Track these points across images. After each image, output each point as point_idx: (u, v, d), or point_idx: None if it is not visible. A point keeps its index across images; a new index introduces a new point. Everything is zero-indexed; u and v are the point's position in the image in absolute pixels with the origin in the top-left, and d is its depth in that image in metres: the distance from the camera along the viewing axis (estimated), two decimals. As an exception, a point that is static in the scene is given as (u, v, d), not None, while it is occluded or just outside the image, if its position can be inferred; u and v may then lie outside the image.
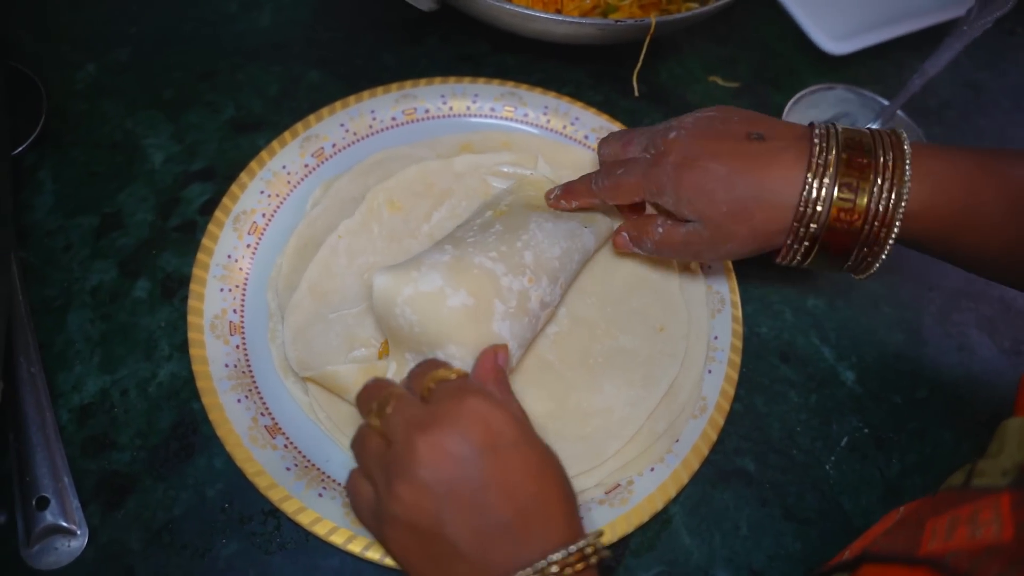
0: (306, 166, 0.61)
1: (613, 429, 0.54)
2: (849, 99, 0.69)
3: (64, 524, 0.48)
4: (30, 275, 0.57)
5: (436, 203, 0.60)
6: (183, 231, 0.60)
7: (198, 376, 0.52)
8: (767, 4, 0.79)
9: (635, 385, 0.55)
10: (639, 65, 0.65)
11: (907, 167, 0.45)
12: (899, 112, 0.67)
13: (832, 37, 0.74)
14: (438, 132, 0.64)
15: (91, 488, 0.50)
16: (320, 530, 0.48)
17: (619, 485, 0.52)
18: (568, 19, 0.59)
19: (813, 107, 0.69)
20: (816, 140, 0.47)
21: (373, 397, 0.43)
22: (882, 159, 0.46)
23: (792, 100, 0.66)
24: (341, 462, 0.52)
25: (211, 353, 0.53)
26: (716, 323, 0.59)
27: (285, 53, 0.70)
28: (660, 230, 0.53)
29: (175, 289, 0.58)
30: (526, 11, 0.58)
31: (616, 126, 0.66)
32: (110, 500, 0.50)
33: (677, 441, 0.54)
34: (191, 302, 0.55)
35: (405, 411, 0.41)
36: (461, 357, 0.49)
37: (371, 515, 0.42)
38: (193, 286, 0.55)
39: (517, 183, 0.61)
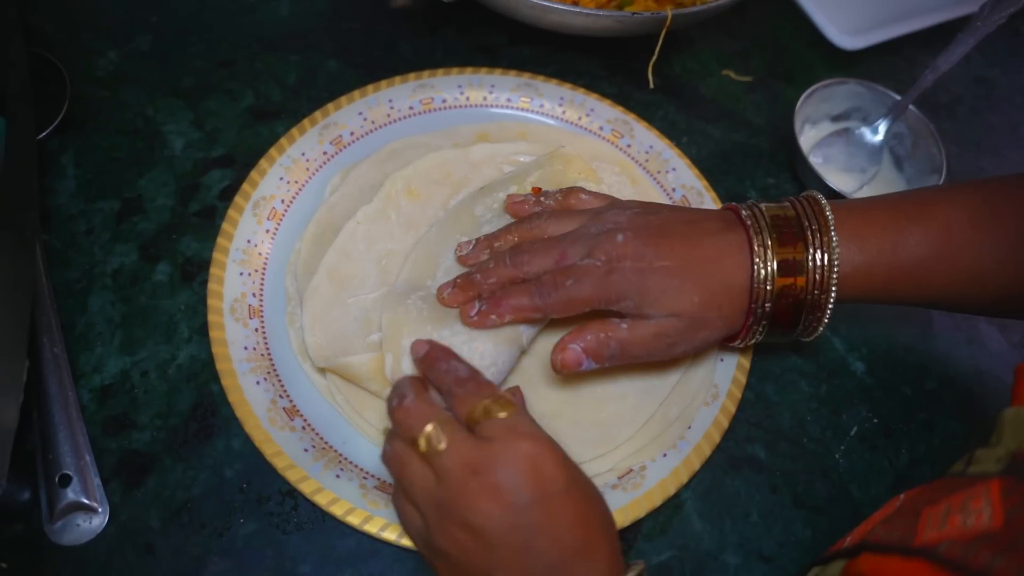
0: (324, 153, 0.62)
1: (627, 415, 0.54)
2: (861, 94, 0.69)
3: (85, 501, 0.49)
4: (53, 258, 0.58)
5: (453, 191, 0.60)
6: (203, 216, 0.61)
7: (218, 358, 0.53)
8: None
9: (648, 372, 0.56)
10: (655, 58, 0.66)
11: (832, 233, 0.47)
12: (910, 107, 0.67)
13: (845, 32, 0.75)
14: (455, 121, 0.65)
15: (112, 466, 0.51)
16: (337, 510, 0.49)
17: (632, 470, 0.53)
18: (585, 11, 0.59)
19: (825, 101, 0.70)
20: (749, 223, 0.49)
21: (419, 424, 0.41)
22: (809, 230, 0.48)
23: (804, 94, 0.67)
24: (358, 444, 0.53)
25: (230, 336, 0.54)
26: (729, 312, 0.59)
27: (303, 43, 0.71)
28: (624, 327, 0.49)
29: (195, 273, 0.59)
30: (544, 3, 0.59)
31: (630, 117, 0.66)
32: (130, 479, 0.51)
33: (689, 428, 0.55)
34: (211, 285, 0.56)
35: (459, 450, 0.40)
36: (466, 332, 0.51)
37: (417, 536, 0.43)
38: (213, 270, 0.56)
39: (547, 156, 0.61)
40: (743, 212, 0.50)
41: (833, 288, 0.48)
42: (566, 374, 0.51)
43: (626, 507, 0.51)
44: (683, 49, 0.76)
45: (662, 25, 0.61)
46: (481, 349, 0.50)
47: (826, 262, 0.47)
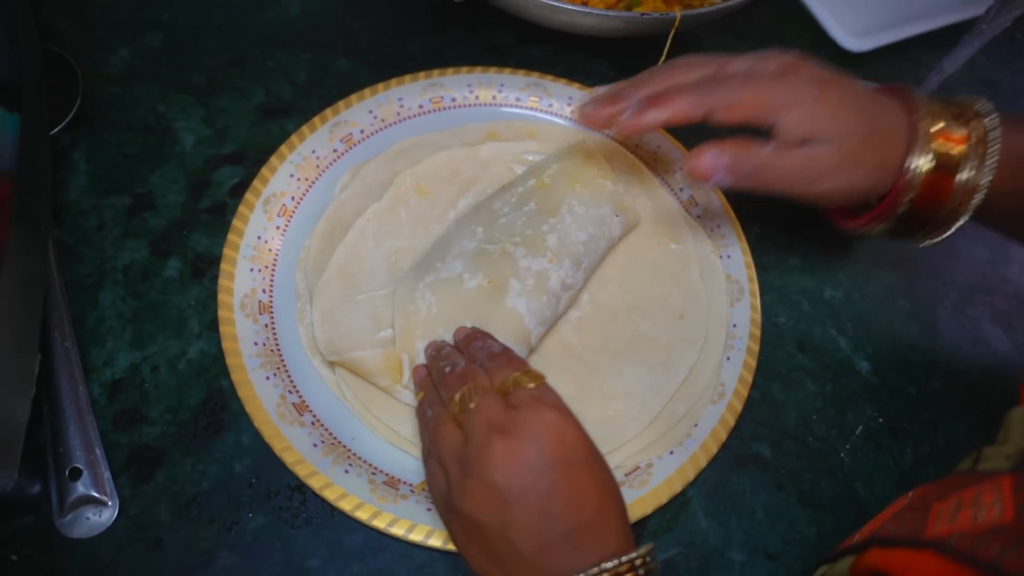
0: (335, 151, 0.63)
1: (633, 412, 0.55)
2: (868, 96, 0.70)
3: (95, 495, 0.49)
4: (64, 253, 0.58)
5: (463, 189, 0.61)
6: (213, 213, 0.61)
7: (228, 353, 0.54)
8: (787, 0, 0.80)
9: (656, 370, 0.56)
10: (663, 58, 0.66)
11: (993, 143, 0.46)
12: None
13: (851, 34, 0.75)
14: (464, 120, 0.65)
15: (122, 460, 0.52)
16: (345, 506, 0.50)
17: (639, 467, 0.53)
18: (594, 11, 0.60)
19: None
20: (918, 111, 0.47)
21: (457, 385, 0.45)
22: (973, 134, 0.46)
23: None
24: (367, 440, 0.53)
25: (241, 331, 0.55)
26: (735, 311, 0.60)
27: (314, 41, 0.71)
28: (768, 150, 0.47)
29: (205, 269, 0.59)
30: (553, 3, 0.59)
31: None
32: (140, 473, 0.52)
33: (696, 425, 0.55)
34: (221, 281, 0.56)
35: (488, 411, 0.42)
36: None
37: (440, 499, 0.44)
38: (224, 266, 0.56)
39: (567, 149, 0.61)
40: (915, 91, 0.49)
41: (976, 197, 0.46)
42: (698, 181, 0.53)
43: (633, 504, 0.52)
44: (690, 49, 0.76)
45: (670, 26, 0.61)
46: None
47: (978, 171, 0.46)
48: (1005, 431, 0.43)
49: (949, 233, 0.48)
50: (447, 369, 0.48)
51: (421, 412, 0.47)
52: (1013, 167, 0.46)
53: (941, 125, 0.46)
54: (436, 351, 0.50)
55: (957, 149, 0.46)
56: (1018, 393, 0.47)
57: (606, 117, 0.50)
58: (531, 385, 0.44)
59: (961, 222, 0.47)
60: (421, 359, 0.51)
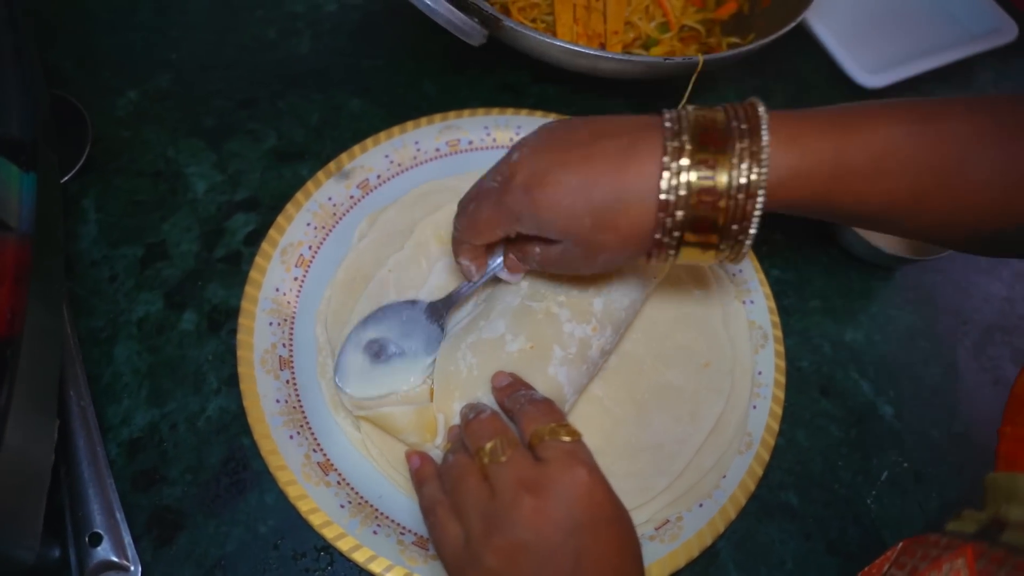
0: (351, 197, 0.62)
1: (662, 465, 0.54)
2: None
3: (116, 560, 0.48)
4: (76, 306, 0.57)
5: (484, 237, 0.60)
6: (228, 262, 0.60)
7: (249, 412, 0.52)
8: (802, 36, 0.79)
9: (682, 421, 0.56)
10: (684, 99, 0.66)
11: (764, 134, 0.42)
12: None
13: (866, 70, 0.75)
14: (483, 163, 0.63)
15: (143, 523, 0.51)
16: (376, 568, 0.49)
17: (668, 521, 0.53)
18: (617, 56, 0.59)
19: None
20: (668, 124, 0.43)
21: (487, 436, 0.44)
22: (737, 130, 0.42)
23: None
24: (395, 499, 0.52)
25: (262, 388, 0.53)
26: (759, 358, 0.59)
27: (325, 81, 0.70)
28: (538, 251, 0.49)
29: (222, 321, 0.58)
30: (575, 48, 0.59)
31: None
32: (162, 536, 0.50)
33: (724, 477, 0.55)
34: (240, 336, 0.55)
35: (518, 466, 0.42)
36: None
37: (453, 553, 0.43)
38: (242, 320, 0.55)
39: None
40: (666, 115, 0.44)
41: (761, 194, 0.42)
42: (513, 275, 0.54)
43: (664, 559, 0.51)
44: (706, 86, 0.76)
45: (692, 69, 0.61)
46: None
47: (755, 165, 0.41)
48: (985, 497, 0.43)
49: (748, 243, 0.45)
50: (471, 415, 0.47)
51: (447, 458, 0.47)
52: (795, 154, 0.42)
53: (697, 135, 0.42)
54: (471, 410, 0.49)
55: (720, 151, 0.42)
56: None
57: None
58: (567, 439, 0.43)
59: (755, 225, 0.43)
60: (457, 420, 0.50)
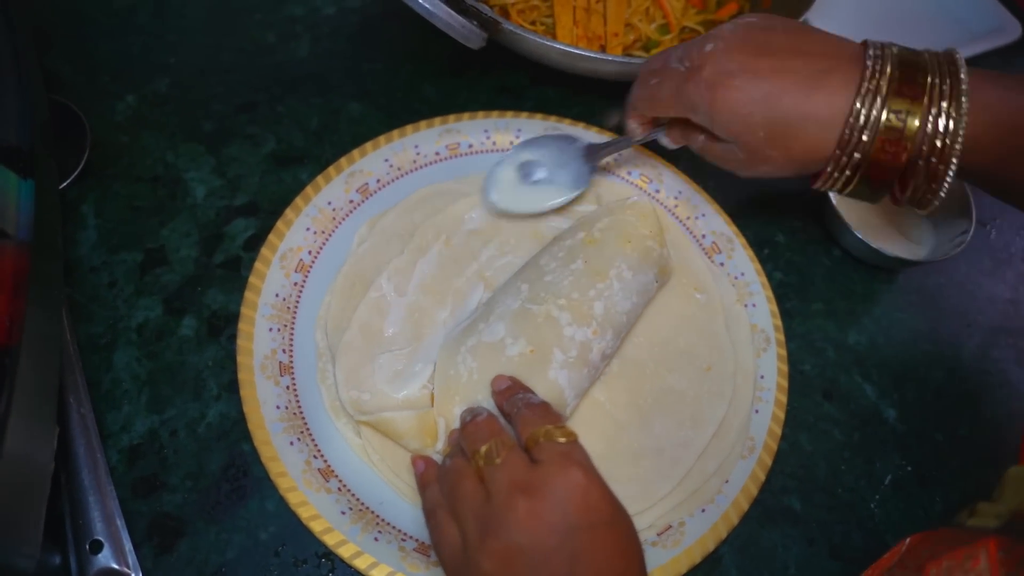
0: (351, 202, 0.61)
1: (664, 470, 0.54)
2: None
3: (117, 567, 0.48)
4: (75, 312, 0.57)
5: (485, 240, 0.60)
6: (228, 267, 0.60)
7: (250, 418, 0.52)
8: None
9: (684, 425, 0.56)
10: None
11: (963, 99, 0.42)
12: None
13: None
14: (482, 166, 0.64)
15: (143, 530, 0.50)
16: (377, 574, 0.49)
17: (671, 527, 0.53)
18: (617, 59, 0.59)
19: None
20: (869, 63, 0.43)
21: (483, 439, 0.44)
22: (938, 88, 0.42)
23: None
24: (396, 505, 0.52)
25: (262, 394, 0.53)
26: (762, 362, 0.59)
27: (324, 84, 0.70)
28: (702, 139, 0.51)
29: (221, 327, 0.58)
30: (576, 50, 0.58)
31: (659, 162, 0.66)
32: (162, 543, 0.50)
33: (727, 482, 0.54)
34: (240, 342, 0.55)
35: (513, 468, 0.41)
36: None
37: (451, 556, 0.42)
38: (242, 326, 0.55)
39: (620, 204, 0.59)
40: (870, 50, 0.44)
41: (954, 158, 0.42)
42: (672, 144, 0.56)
43: (667, 565, 0.51)
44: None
45: (692, 71, 0.60)
46: None
47: (950, 128, 0.41)
48: (1000, 489, 0.43)
49: (939, 198, 0.44)
50: (468, 418, 0.47)
51: (444, 462, 0.47)
52: (986, 120, 0.42)
53: (896, 84, 0.42)
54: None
55: (915, 104, 0.42)
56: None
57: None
58: (562, 440, 0.43)
59: (948, 180, 0.43)
60: (458, 424, 0.50)
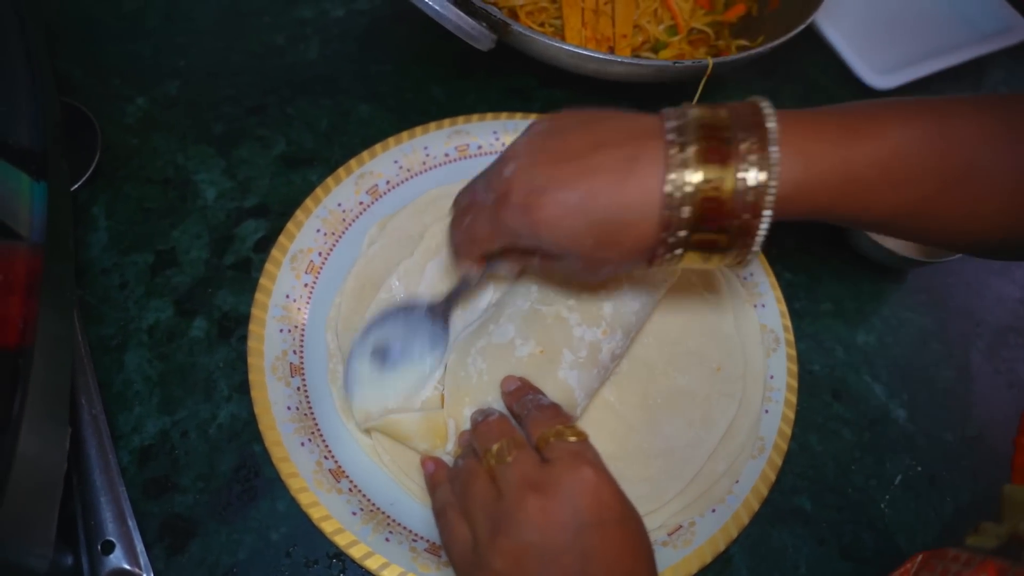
0: (361, 203, 0.61)
1: (674, 470, 0.54)
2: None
3: (128, 568, 0.48)
4: (86, 313, 0.57)
5: (494, 242, 0.60)
6: (238, 269, 0.60)
7: (261, 419, 0.52)
8: (811, 38, 0.79)
9: (695, 426, 0.56)
10: (695, 101, 0.65)
11: (772, 150, 0.40)
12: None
13: (876, 71, 0.75)
14: (492, 169, 0.64)
15: (155, 531, 0.51)
16: (388, 575, 0.49)
17: (681, 527, 0.53)
18: (626, 60, 0.59)
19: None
20: (671, 136, 0.41)
21: (494, 438, 0.44)
22: (743, 139, 0.40)
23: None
24: (406, 506, 0.52)
25: (273, 395, 0.53)
26: (771, 362, 0.59)
27: (333, 86, 0.70)
28: (536, 260, 0.48)
29: (232, 328, 0.58)
30: (584, 52, 0.58)
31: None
32: (174, 543, 0.50)
33: (737, 482, 0.54)
34: (251, 343, 0.55)
35: (523, 466, 0.42)
36: None
37: (461, 555, 0.43)
38: (252, 327, 0.55)
39: None
40: (667, 121, 0.41)
41: (767, 213, 0.40)
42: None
43: (677, 565, 0.51)
44: (715, 89, 0.75)
45: (701, 73, 0.60)
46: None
47: (760, 181, 0.39)
48: (1001, 508, 0.43)
49: (753, 253, 0.43)
50: (479, 418, 0.47)
51: (457, 463, 0.47)
52: (800, 167, 0.40)
53: (702, 148, 0.40)
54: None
55: (725, 167, 0.40)
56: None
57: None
58: (572, 439, 0.43)
59: (760, 234, 0.42)
60: (468, 426, 0.50)
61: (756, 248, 0.42)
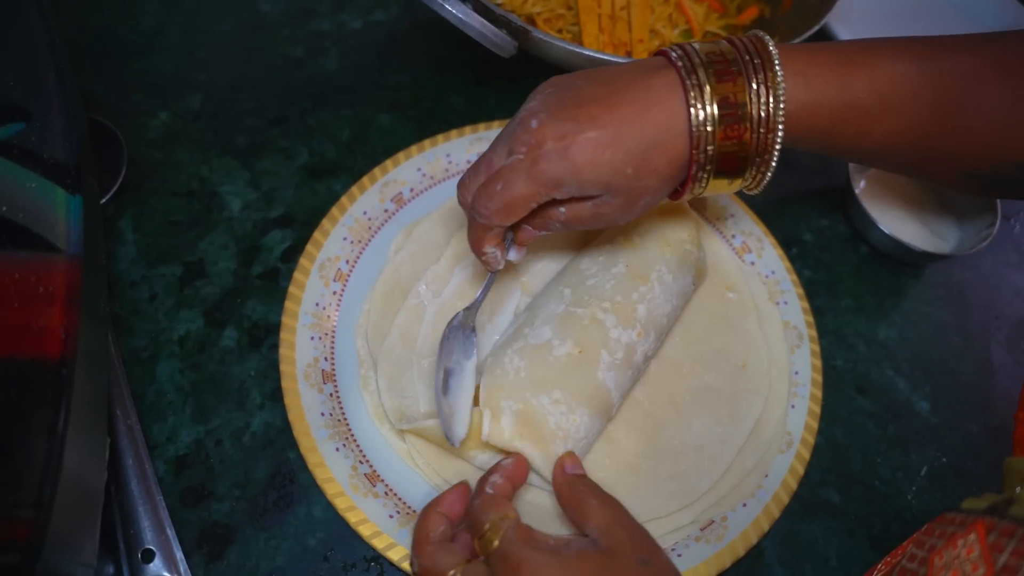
0: (386, 211, 0.62)
1: (704, 466, 0.55)
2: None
3: (169, 576, 0.49)
4: (118, 326, 0.58)
5: (519, 245, 0.60)
6: (266, 279, 0.61)
7: (295, 426, 0.53)
8: (824, 40, 0.79)
9: (723, 422, 0.56)
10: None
11: (777, 68, 0.43)
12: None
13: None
14: (513, 174, 0.65)
15: (193, 539, 0.51)
16: (426, 576, 0.49)
17: (713, 521, 0.53)
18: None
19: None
20: (680, 63, 0.44)
21: (480, 523, 0.44)
22: (751, 65, 0.44)
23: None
24: (443, 508, 0.52)
25: (306, 402, 0.54)
26: (796, 358, 0.60)
27: (354, 97, 0.71)
28: (563, 211, 0.48)
29: (262, 337, 0.58)
30: (603, 56, 0.59)
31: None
32: (212, 551, 0.51)
33: (767, 476, 0.55)
34: (282, 351, 0.55)
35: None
36: (566, 402, 0.50)
37: None
38: (283, 335, 0.56)
39: (658, 207, 0.58)
40: (673, 54, 0.45)
41: (780, 127, 0.44)
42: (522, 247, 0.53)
43: (710, 560, 0.51)
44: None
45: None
46: (578, 422, 0.50)
47: (772, 98, 0.43)
48: (1004, 479, 0.44)
49: (771, 171, 0.46)
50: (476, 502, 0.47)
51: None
52: (801, 87, 0.44)
53: (712, 72, 0.44)
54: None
55: (738, 87, 0.44)
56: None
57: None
58: (496, 544, 0.43)
59: (776, 155, 0.45)
60: (505, 418, 0.50)
61: (773, 163, 0.46)
